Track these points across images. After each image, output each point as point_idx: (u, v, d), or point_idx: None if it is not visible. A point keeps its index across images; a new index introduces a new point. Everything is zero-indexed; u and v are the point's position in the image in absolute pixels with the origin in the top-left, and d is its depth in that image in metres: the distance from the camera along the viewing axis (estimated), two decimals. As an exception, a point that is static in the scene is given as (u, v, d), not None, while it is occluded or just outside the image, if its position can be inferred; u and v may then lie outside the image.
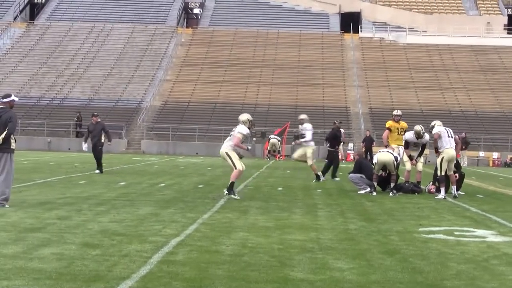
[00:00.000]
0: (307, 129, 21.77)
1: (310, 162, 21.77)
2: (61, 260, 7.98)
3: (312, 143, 21.96)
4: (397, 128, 19.56)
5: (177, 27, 62.89)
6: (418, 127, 18.68)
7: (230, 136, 16.02)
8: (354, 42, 60.17)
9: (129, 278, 7.19)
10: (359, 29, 62.62)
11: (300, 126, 21.96)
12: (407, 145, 18.76)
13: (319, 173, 21.90)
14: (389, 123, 19.64)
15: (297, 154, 22.50)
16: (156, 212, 12.61)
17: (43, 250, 8.55)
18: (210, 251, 8.76)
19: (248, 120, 16.14)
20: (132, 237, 9.72)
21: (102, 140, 22.82)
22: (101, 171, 21.95)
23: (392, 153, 17.60)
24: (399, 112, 20.00)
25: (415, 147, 18.85)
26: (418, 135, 18.60)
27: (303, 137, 21.65)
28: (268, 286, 7.03)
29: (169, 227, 10.80)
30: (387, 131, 19.53)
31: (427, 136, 18.90)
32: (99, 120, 22.91)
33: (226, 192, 15.58)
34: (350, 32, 61.53)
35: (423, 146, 18.99)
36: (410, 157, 18.77)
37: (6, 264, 7.70)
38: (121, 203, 13.94)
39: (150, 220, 11.51)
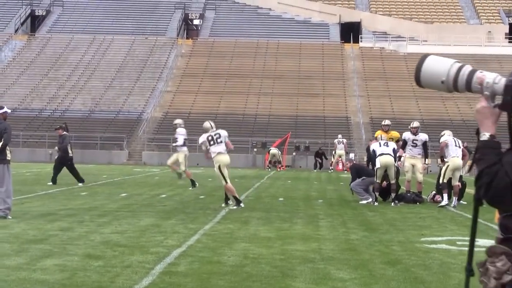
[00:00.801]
0: (180, 133, 22.08)
1: (182, 167, 21.98)
2: (63, 271, 8.02)
3: (184, 148, 22.18)
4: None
5: (177, 38, 63.03)
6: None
7: (217, 143, 16.12)
8: (354, 52, 60.30)
9: (131, 289, 7.23)
10: (359, 39, 62.74)
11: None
12: (405, 144, 18.54)
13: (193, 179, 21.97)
14: (378, 133, 19.59)
15: (170, 160, 22.75)
16: (157, 223, 12.65)
17: (46, 261, 8.59)
18: (212, 262, 8.79)
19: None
20: (134, 248, 9.76)
21: (70, 153, 22.38)
22: (81, 181, 21.94)
23: (391, 155, 17.52)
24: (387, 122, 19.98)
25: (414, 146, 18.62)
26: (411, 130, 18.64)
27: (175, 142, 22.10)
28: (270, 296, 7.07)
29: (170, 238, 10.84)
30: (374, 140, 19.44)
31: (425, 135, 18.86)
32: (64, 132, 22.55)
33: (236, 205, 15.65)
34: (350, 42, 61.64)
35: (425, 145, 18.73)
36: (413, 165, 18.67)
37: (9, 275, 7.74)
38: (122, 214, 13.98)
39: (151, 231, 11.55)
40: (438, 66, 3.28)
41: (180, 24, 66.66)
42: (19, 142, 44.43)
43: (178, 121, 22.81)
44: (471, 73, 3.21)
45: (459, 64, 3.26)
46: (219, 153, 16.15)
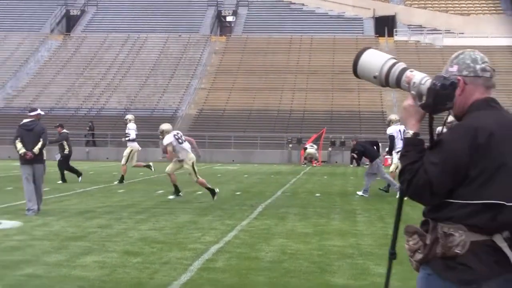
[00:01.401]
0: (131, 128, 22.67)
1: (123, 161, 22.10)
2: (103, 268, 8.11)
3: (135, 143, 22.53)
4: None
5: (210, 35, 63.19)
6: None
7: (183, 141, 16.74)
8: (389, 46, 59.89)
9: (170, 286, 7.29)
10: (394, 33, 62.30)
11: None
12: (392, 142, 17.76)
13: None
14: None
15: (126, 160, 22.39)
16: (194, 220, 12.72)
17: (85, 258, 8.70)
18: (250, 258, 8.82)
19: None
20: (172, 244, 9.83)
21: (66, 151, 22.44)
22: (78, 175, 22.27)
23: None
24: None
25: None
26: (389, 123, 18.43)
27: (127, 137, 22.60)
28: (309, 291, 7.08)
29: (208, 234, 10.90)
30: None
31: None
32: (63, 130, 22.60)
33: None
34: (384, 36, 61.27)
35: None
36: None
37: (50, 272, 7.85)
38: (160, 211, 14.07)
39: (189, 228, 11.62)
40: (373, 61, 3.42)
41: (213, 21, 66.82)
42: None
43: (129, 116, 23.67)
44: (402, 71, 3.36)
45: (392, 61, 3.39)
46: (188, 151, 16.76)
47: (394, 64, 3.39)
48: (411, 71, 3.35)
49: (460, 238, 3.17)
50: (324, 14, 66.33)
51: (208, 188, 16.59)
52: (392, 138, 17.75)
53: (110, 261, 8.54)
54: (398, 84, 3.38)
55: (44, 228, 11.31)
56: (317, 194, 18.79)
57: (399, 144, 17.24)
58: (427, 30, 61.41)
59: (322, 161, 40.96)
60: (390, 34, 61.84)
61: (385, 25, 62.38)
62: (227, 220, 12.73)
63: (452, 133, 3.25)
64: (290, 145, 44.28)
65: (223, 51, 60.81)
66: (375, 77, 3.42)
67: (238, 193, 18.95)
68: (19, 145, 13.30)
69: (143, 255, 8.93)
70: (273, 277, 7.69)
